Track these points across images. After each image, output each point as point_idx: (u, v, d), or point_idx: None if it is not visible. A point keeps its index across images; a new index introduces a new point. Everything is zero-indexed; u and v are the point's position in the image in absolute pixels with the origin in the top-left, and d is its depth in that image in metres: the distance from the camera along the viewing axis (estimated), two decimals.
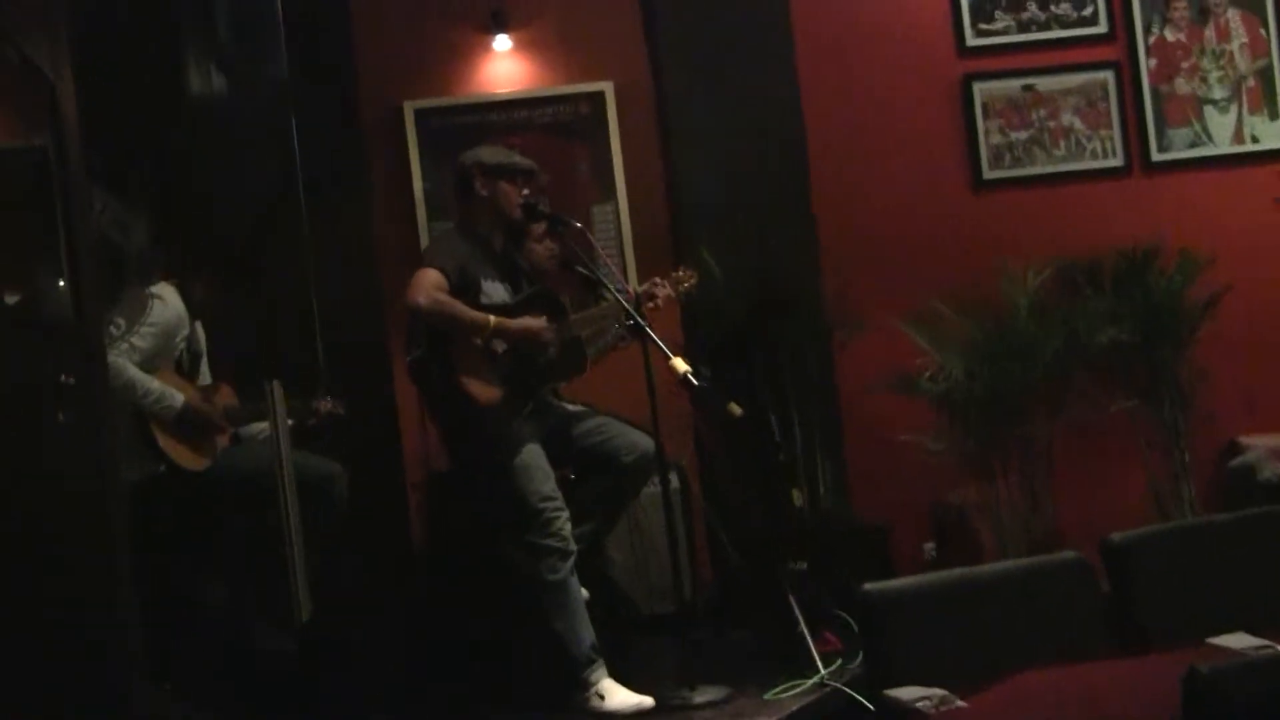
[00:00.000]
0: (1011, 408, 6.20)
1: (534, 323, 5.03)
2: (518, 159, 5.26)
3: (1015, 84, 6.84)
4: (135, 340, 4.94)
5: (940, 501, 6.52)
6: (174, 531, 4.98)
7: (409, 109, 6.67)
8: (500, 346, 5.03)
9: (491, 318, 4.96)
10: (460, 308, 4.93)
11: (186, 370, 5.19)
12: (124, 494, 4.02)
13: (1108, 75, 6.85)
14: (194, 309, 5.24)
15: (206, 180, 6.00)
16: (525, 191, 5.21)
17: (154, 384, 4.93)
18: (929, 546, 6.63)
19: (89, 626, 3.74)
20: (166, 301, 5.09)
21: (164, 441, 4.95)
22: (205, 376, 5.32)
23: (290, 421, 5.15)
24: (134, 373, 4.89)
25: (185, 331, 5.16)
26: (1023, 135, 6.83)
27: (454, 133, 6.61)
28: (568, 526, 5.00)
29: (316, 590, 4.96)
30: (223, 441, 5.18)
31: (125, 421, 4.90)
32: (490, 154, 5.23)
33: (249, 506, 5.13)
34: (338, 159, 6.43)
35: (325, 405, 5.48)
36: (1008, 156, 6.83)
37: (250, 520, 5.21)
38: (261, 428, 5.23)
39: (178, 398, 4.96)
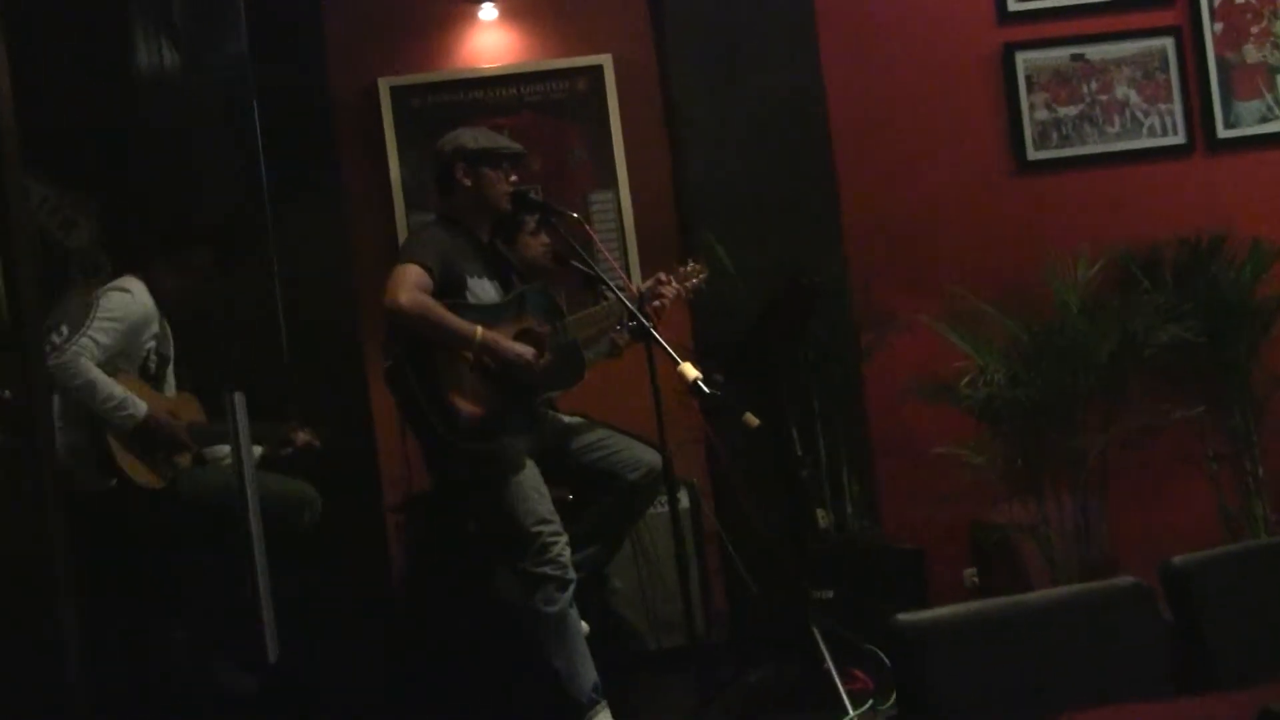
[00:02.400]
0: (1060, 416, 6.20)
1: (526, 350, 5.02)
2: (504, 142, 5.26)
3: (1063, 53, 6.84)
4: (96, 335, 4.91)
5: (981, 522, 6.52)
6: (123, 556, 4.98)
7: (384, 86, 6.67)
8: (488, 361, 5.02)
9: (479, 329, 4.94)
10: (446, 315, 4.92)
11: (153, 375, 5.17)
12: (63, 530, 3.99)
13: (1167, 42, 6.85)
14: (164, 307, 5.23)
15: (158, 168, 6.01)
16: (513, 178, 5.21)
17: (116, 389, 4.91)
18: (969, 572, 6.64)
19: (19, 666, 3.75)
20: (133, 295, 5.07)
21: (119, 453, 4.94)
22: (171, 384, 5.31)
23: (260, 450, 5.15)
24: (96, 374, 4.86)
25: (154, 330, 5.14)
26: (1071, 111, 6.82)
27: (434, 113, 6.62)
28: (566, 552, 5.00)
29: (285, 627, 4.96)
30: (184, 462, 5.16)
31: (80, 428, 4.90)
32: (472, 138, 5.22)
33: (211, 534, 5.12)
34: (304, 143, 6.44)
35: (302, 436, 5.46)
36: (1055, 135, 6.83)
37: (212, 549, 5.21)
38: (226, 453, 5.24)
39: (140, 407, 4.94)
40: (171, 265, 5.28)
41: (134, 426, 4.94)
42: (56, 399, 4.84)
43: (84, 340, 4.88)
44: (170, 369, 5.29)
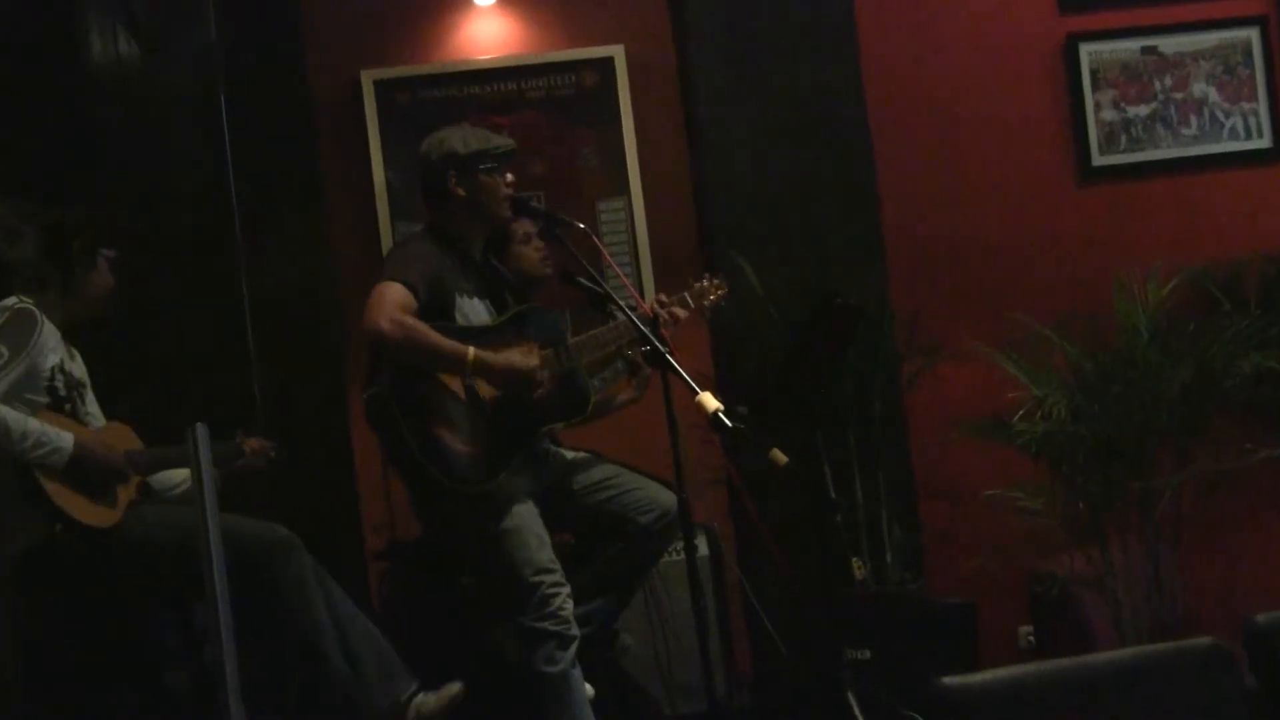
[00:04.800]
0: (1129, 455, 6.18)
1: (523, 360, 5.01)
2: (495, 140, 5.25)
3: (1133, 45, 6.85)
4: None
5: (1038, 573, 6.50)
6: (82, 611, 4.95)
7: (368, 81, 6.69)
8: (483, 386, 5.02)
9: (471, 349, 4.94)
10: (433, 336, 4.92)
11: (65, 399, 5.11)
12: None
13: (1252, 33, 6.87)
14: (70, 328, 5.18)
15: (113, 172, 6.02)
16: (509, 178, 5.21)
17: (32, 424, 4.82)
18: (1025, 630, 6.63)
19: None
20: (19, 315, 5.01)
21: (56, 494, 4.86)
22: (95, 415, 5.25)
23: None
24: (4, 412, 4.80)
25: (53, 348, 5.08)
26: (1142, 111, 6.83)
27: (424, 110, 6.62)
28: (569, 605, 4.99)
29: (253, 695, 4.92)
30: (129, 494, 5.12)
31: (5, 475, 4.84)
32: (462, 141, 5.21)
33: (164, 586, 5.07)
34: (279, 143, 6.45)
35: (254, 444, 5.41)
36: (1123, 138, 6.83)
37: (166, 604, 5.18)
38: (181, 479, 5.19)
39: (65, 438, 4.86)
40: (88, 284, 5.23)
41: (65, 462, 4.85)
42: None
43: None
44: (89, 395, 5.22)
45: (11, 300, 5.02)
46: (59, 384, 5.04)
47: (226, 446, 5.28)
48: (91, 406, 5.21)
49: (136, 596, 5.09)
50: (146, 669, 5.21)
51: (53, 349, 5.02)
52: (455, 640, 5.58)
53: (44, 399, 4.96)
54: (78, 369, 5.17)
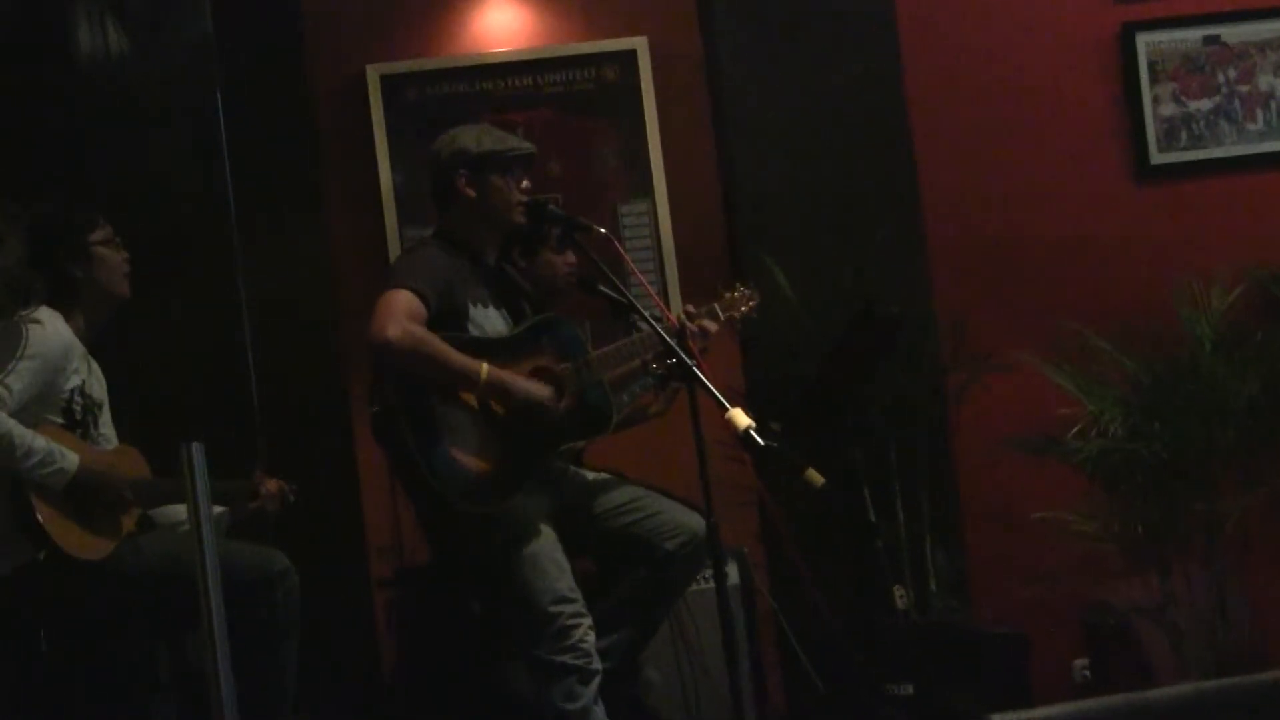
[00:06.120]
0: (1191, 475, 6.17)
1: (542, 389, 5.01)
2: (513, 142, 5.26)
3: (1194, 35, 6.83)
4: (8, 380, 4.88)
5: (1095, 603, 6.49)
6: (56, 648, 4.95)
7: (374, 76, 6.70)
8: (497, 404, 5.01)
9: (484, 367, 4.94)
10: (445, 349, 4.91)
11: (80, 422, 5.15)
12: None
13: None
14: (90, 342, 5.21)
15: (102, 173, 6.02)
16: (525, 185, 5.21)
17: (38, 441, 4.87)
18: (1080, 664, 6.62)
19: None
20: (48, 328, 5.05)
21: (48, 519, 4.87)
22: (108, 436, 5.28)
23: (220, 510, 5.10)
24: (10, 425, 4.83)
25: (76, 369, 5.11)
26: (1204, 105, 6.81)
27: (433, 107, 6.64)
28: (591, 637, 4.98)
29: None
30: (129, 525, 5.13)
31: None
32: (475, 139, 5.22)
33: (160, 617, 5.08)
34: (278, 143, 6.47)
35: (271, 485, 5.42)
36: (1184, 134, 6.82)
37: (162, 637, 5.18)
38: (185, 516, 5.19)
39: (71, 458, 4.89)
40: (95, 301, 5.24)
41: (65, 485, 4.88)
42: None
43: None
44: (104, 416, 5.24)
45: (38, 312, 5.05)
46: (76, 406, 5.07)
47: (240, 485, 5.28)
48: (105, 428, 5.23)
49: (123, 629, 5.10)
50: (135, 701, 5.22)
51: (75, 370, 5.05)
52: (466, 674, 5.58)
53: (59, 420, 5.00)
54: (98, 388, 5.20)
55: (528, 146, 5.29)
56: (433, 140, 5.34)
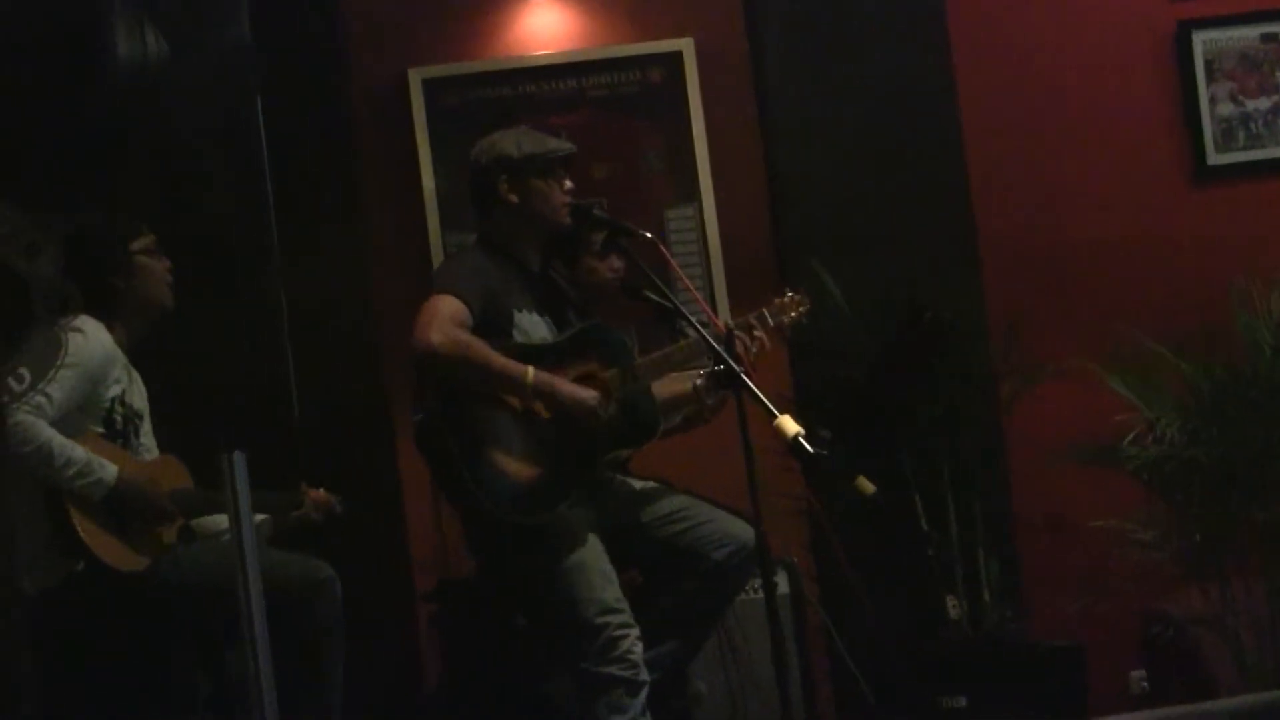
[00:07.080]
0: (1251, 482, 6.14)
1: (590, 394, 5.00)
2: (552, 143, 5.26)
3: (1252, 33, 6.81)
4: (49, 389, 4.90)
5: (1153, 613, 6.47)
6: (95, 660, 4.97)
7: (415, 79, 6.71)
8: (542, 409, 5.00)
9: (530, 370, 4.94)
10: (490, 354, 4.92)
11: (121, 432, 5.18)
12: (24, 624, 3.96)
13: None
14: (131, 352, 5.23)
15: (141, 181, 6.04)
16: (568, 185, 5.20)
17: (77, 451, 4.90)
18: (1138, 675, 6.59)
19: None
20: (89, 337, 5.07)
21: (87, 530, 4.90)
22: (149, 446, 5.30)
23: (260, 517, 5.11)
24: (50, 435, 4.85)
25: (117, 379, 5.14)
26: (1263, 104, 6.79)
27: (476, 111, 6.65)
28: (638, 648, 4.97)
29: None
30: (169, 536, 5.15)
31: (33, 503, 4.88)
32: (515, 144, 5.22)
33: (203, 629, 5.10)
34: (319, 148, 6.47)
35: (317, 495, 5.44)
36: (1242, 134, 6.80)
37: (205, 649, 5.19)
38: (227, 525, 5.20)
39: (110, 469, 4.93)
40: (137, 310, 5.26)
41: (104, 495, 4.90)
42: None
43: (36, 398, 4.85)
44: (145, 425, 5.27)
45: (78, 320, 5.07)
46: (117, 416, 5.10)
47: (287, 496, 5.33)
48: (146, 438, 5.27)
49: (163, 642, 5.12)
50: (178, 714, 5.23)
51: (116, 380, 5.09)
52: (510, 689, 5.58)
53: (99, 429, 5.02)
54: (138, 398, 5.24)
55: (568, 146, 5.28)
56: (475, 144, 5.34)
